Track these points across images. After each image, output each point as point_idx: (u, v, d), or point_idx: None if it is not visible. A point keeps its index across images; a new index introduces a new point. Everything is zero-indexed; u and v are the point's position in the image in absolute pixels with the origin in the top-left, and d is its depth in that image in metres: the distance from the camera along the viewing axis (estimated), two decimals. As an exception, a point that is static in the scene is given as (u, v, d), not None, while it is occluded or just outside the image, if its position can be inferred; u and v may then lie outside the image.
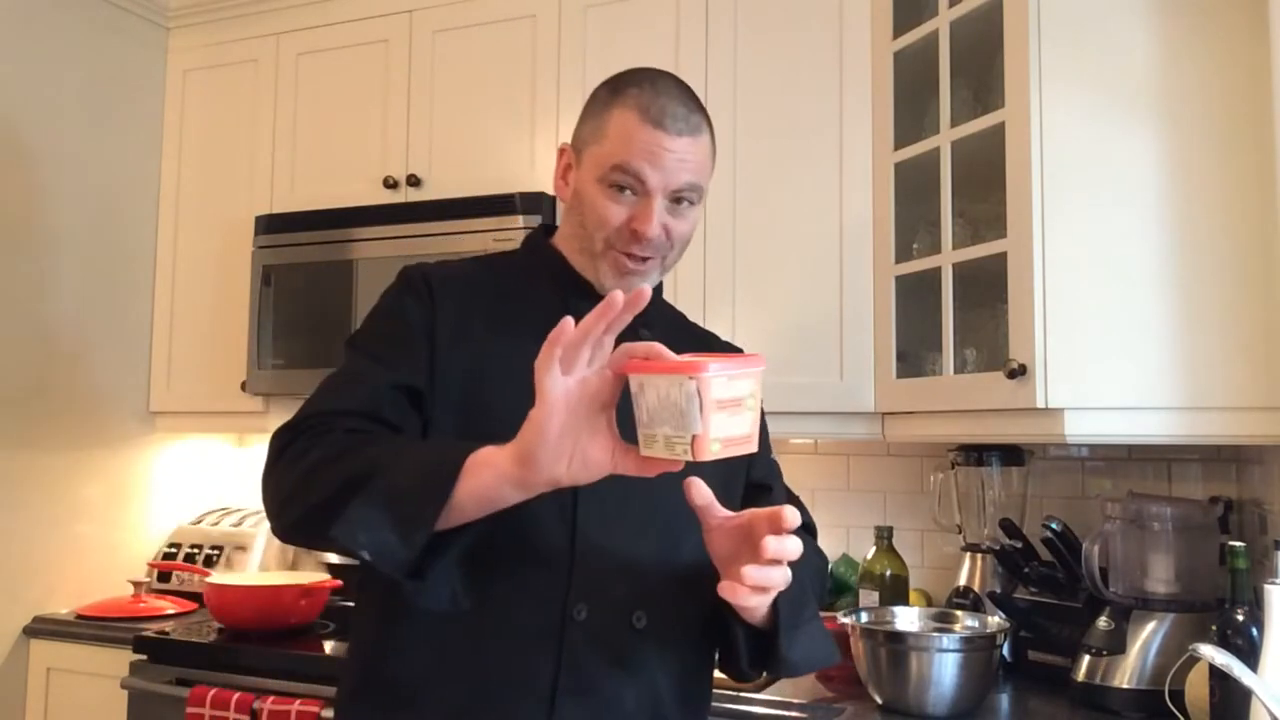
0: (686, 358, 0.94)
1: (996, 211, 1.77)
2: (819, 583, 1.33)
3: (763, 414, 1.15)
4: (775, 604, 1.09)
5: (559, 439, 0.94)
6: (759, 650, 1.16)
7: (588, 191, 1.21)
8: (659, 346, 0.95)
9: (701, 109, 1.23)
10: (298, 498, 1.07)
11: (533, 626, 1.13)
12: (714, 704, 1.77)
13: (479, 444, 0.99)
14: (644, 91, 1.19)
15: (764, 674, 1.21)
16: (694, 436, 0.91)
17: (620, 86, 1.22)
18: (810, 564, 1.23)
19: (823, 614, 2.15)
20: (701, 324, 2.12)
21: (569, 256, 1.25)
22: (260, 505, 2.94)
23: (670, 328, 1.32)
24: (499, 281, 1.28)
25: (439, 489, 0.97)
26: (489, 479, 0.97)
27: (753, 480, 1.32)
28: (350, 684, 1.23)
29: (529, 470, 0.95)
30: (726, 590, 1.00)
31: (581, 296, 1.21)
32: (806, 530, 1.31)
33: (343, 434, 1.10)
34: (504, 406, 1.03)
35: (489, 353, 1.19)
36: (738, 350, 1.43)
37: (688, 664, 1.23)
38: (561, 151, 1.27)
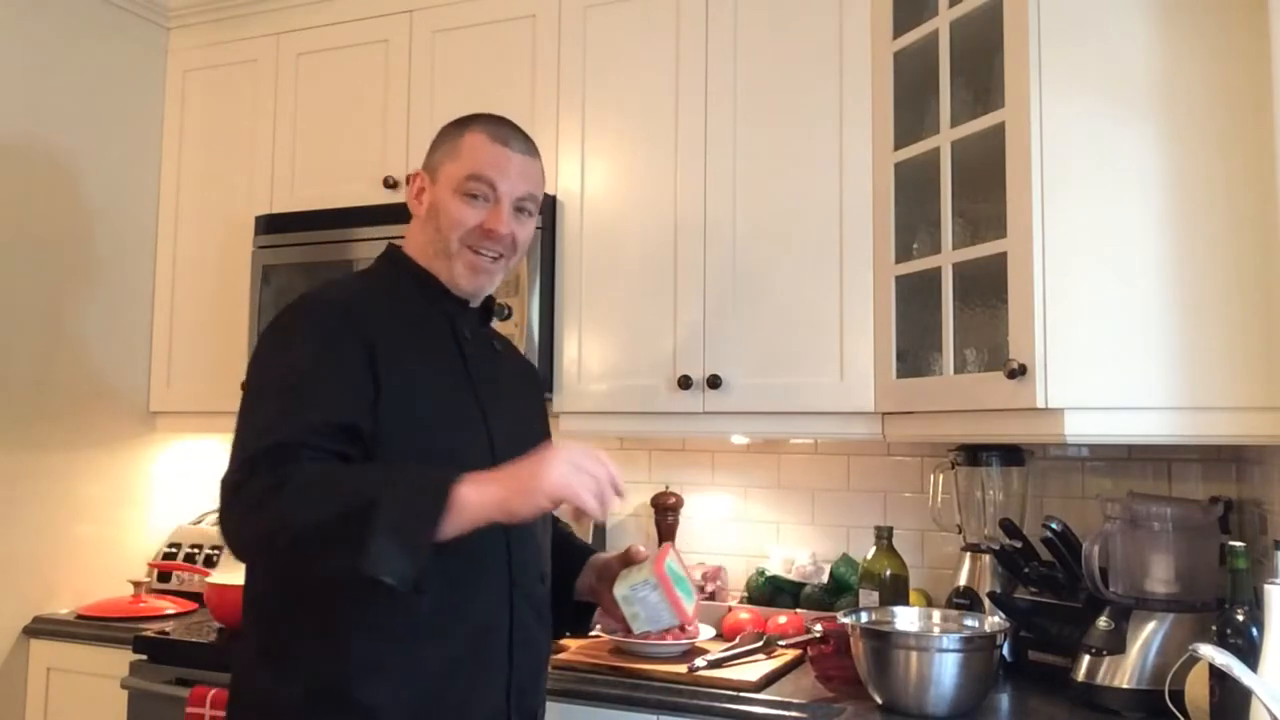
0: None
1: (996, 211, 1.77)
2: None
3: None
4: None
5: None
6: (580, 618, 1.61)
7: (445, 201, 1.42)
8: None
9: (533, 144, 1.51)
10: (287, 526, 1.17)
11: (493, 602, 1.37)
12: (714, 704, 1.79)
13: (450, 471, 1.20)
14: (490, 122, 1.46)
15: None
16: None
17: (468, 121, 1.47)
18: None
19: (823, 613, 2.17)
20: (701, 324, 2.15)
21: (428, 266, 1.45)
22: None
23: (503, 340, 1.60)
24: (387, 298, 1.42)
25: (435, 517, 1.16)
26: (478, 513, 1.19)
27: None
28: (297, 690, 1.30)
29: (517, 508, 1.21)
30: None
31: (450, 302, 1.45)
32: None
33: (313, 466, 1.21)
34: (434, 419, 1.33)
35: (408, 368, 1.34)
36: (525, 360, 1.74)
37: (548, 614, 1.52)
38: (415, 176, 1.48)
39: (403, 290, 1.44)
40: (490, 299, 1.54)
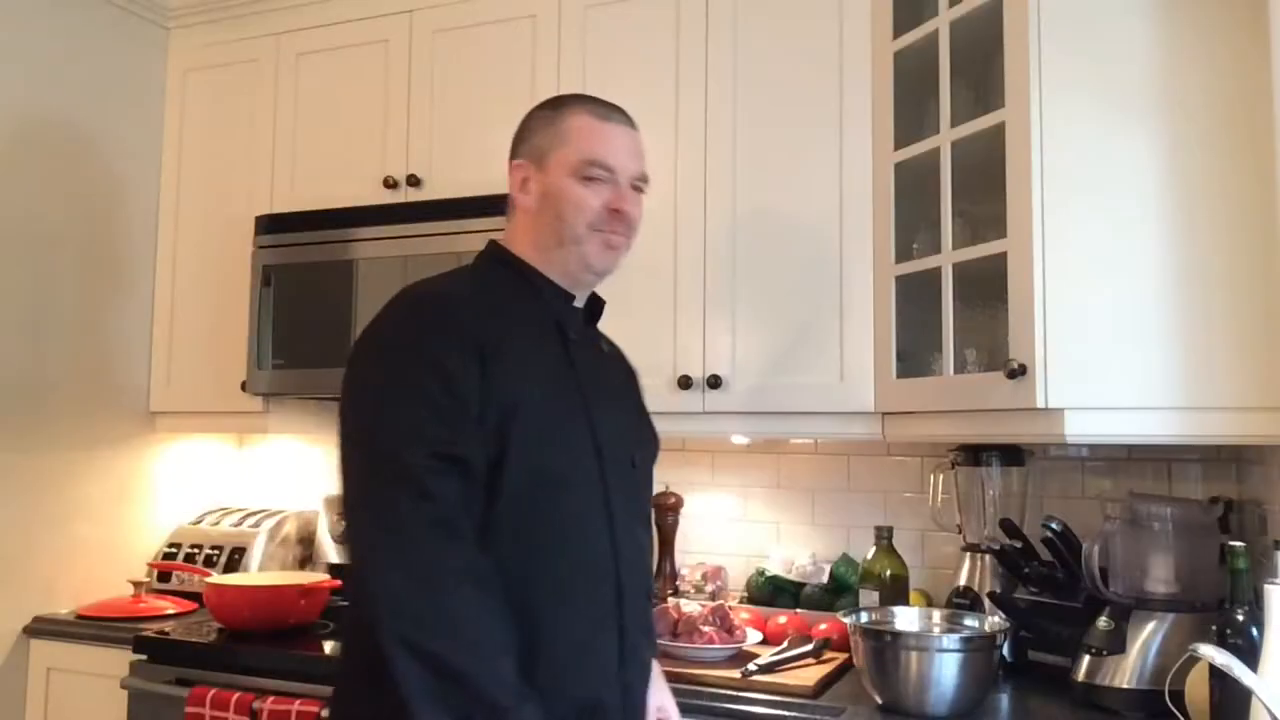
0: None
1: (996, 211, 1.77)
2: None
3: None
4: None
5: None
6: None
7: (563, 187, 1.36)
8: None
9: None
10: (436, 639, 1.13)
11: (601, 612, 1.32)
12: (714, 704, 1.78)
13: None
14: (586, 101, 1.42)
15: None
16: None
17: (563, 102, 1.43)
18: None
19: (823, 614, 2.16)
20: (701, 324, 2.14)
21: (534, 262, 1.40)
22: (260, 506, 2.94)
23: (605, 341, 1.55)
24: (495, 297, 1.37)
25: None
26: None
27: None
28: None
29: None
30: None
31: (557, 300, 1.40)
32: None
33: (475, 588, 1.17)
34: (543, 421, 1.27)
35: (519, 372, 1.28)
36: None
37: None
38: (517, 167, 1.41)
39: (510, 288, 1.39)
40: (596, 298, 1.48)
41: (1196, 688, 1.53)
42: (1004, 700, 1.78)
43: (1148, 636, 1.66)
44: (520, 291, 1.39)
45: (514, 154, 1.42)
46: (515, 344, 1.29)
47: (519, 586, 1.23)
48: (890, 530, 2.11)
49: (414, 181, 2.43)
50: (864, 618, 1.84)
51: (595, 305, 1.49)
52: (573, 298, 1.42)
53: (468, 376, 1.22)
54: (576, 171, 1.35)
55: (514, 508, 1.24)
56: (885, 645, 1.68)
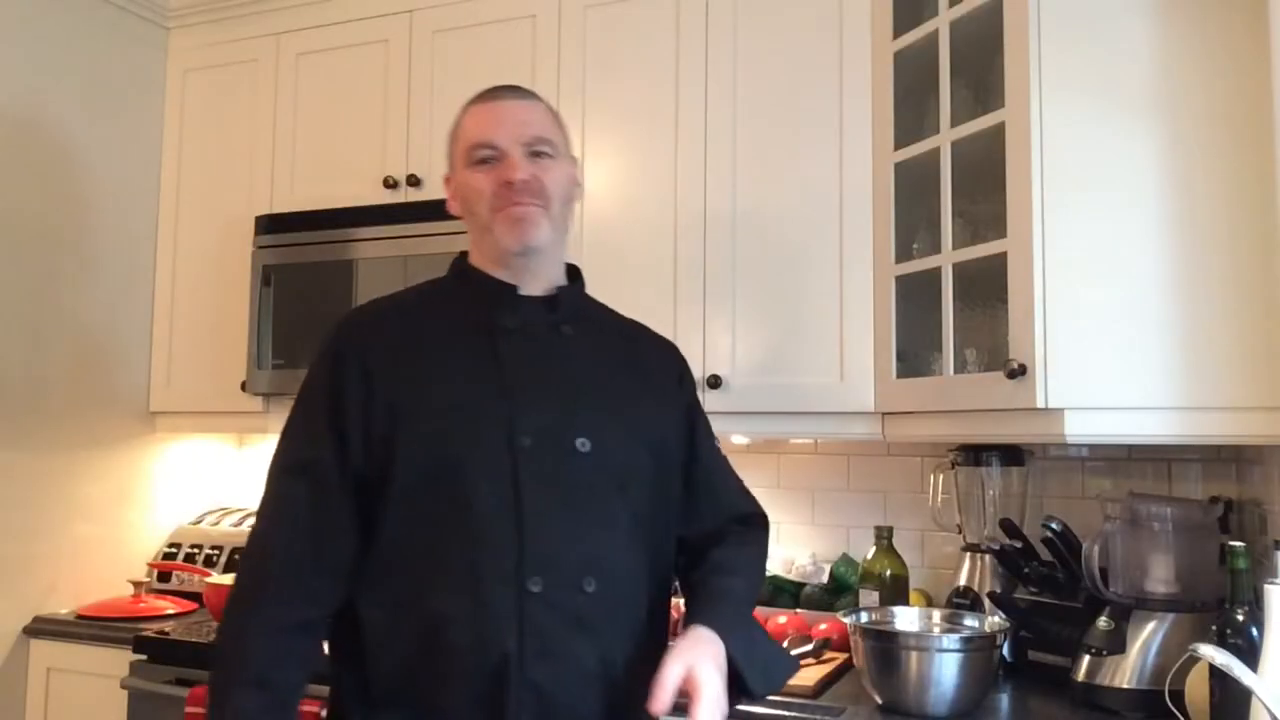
0: None
1: (996, 211, 1.77)
2: (756, 583, 1.48)
3: (699, 405, 1.53)
4: (736, 654, 1.27)
5: None
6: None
7: (463, 181, 1.38)
8: None
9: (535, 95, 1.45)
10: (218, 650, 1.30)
11: (495, 606, 1.25)
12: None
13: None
14: (479, 93, 1.43)
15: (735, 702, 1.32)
16: None
17: (464, 106, 1.44)
18: (752, 573, 1.46)
19: (823, 613, 2.16)
20: (701, 324, 2.14)
21: (481, 265, 1.41)
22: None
23: (593, 324, 1.46)
24: (427, 307, 1.41)
25: None
26: None
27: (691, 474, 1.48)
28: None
29: None
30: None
31: (499, 303, 1.38)
32: (743, 523, 1.50)
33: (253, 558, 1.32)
34: (441, 417, 1.29)
35: (416, 379, 1.33)
36: (674, 349, 1.56)
37: (638, 621, 1.34)
38: (445, 181, 1.44)
39: (444, 295, 1.43)
40: (567, 289, 1.43)
41: (1196, 688, 1.53)
42: (1004, 700, 1.78)
43: (1148, 636, 1.66)
44: (453, 295, 1.42)
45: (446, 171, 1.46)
46: (419, 350, 1.35)
47: (411, 580, 1.27)
48: (890, 530, 2.11)
49: (414, 181, 2.43)
50: (864, 618, 1.84)
51: (569, 290, 1.44)
52: (514, 288, 1.39)
53: (346, 393, 1.31)
54: (468, 161, 1.37)
55: (402, 508, 1.28)
56: (885, 645, 1.68)
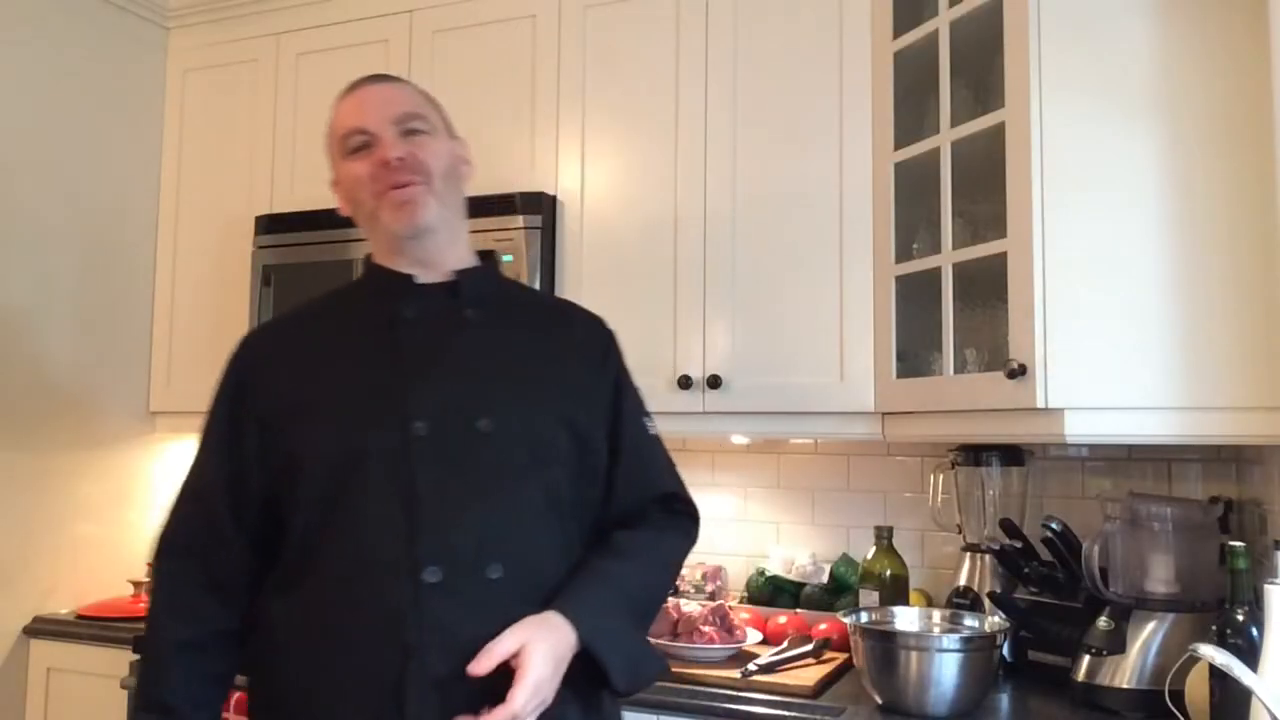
0: None
1: (996, 211, 1.77)
2: (654, 573, 1.40)
3: (628, 380, 1.47)
4: (594, 645, 1.22)
5: None
6: (591, 676, 1.24)
7: (342, 174, 1.37)
8: None
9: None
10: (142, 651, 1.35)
11: (393, 600, 1.21)
12: (714, 704, 1.78)
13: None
14: (345, 87, 1.42)
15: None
16: None
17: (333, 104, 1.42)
18: (649, 561, 1.38)
19: (823, 613, 2.16)
20: (701, 324, 2.14)
21: (382, 259, 1.40)
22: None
23: (504, 307, 1.41)
24: (329, 311, 1.42)
25: None
26: None
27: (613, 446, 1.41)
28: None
29: None
30: None
31: (395, 296, 1.35)
32: (667, 508, 1.45)
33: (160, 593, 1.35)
34: (333, 409, 1.28)
35: (320, 380, 1.32)
36: (600, 322, 1.50)
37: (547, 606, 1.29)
38: (332, 186, 1.42)
39: (336, 296, 1.44)
40: (469, 272, 1.39)
41: (1196, 688, 1.53)
42: (1004, 700, 1.78)
43: (1148, 636, 1.66)
44: (356, 295, 1.43)
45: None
46: (317, 354, 1.35)
47: (315, 581, 1.26)
48: (890, 530, 2.11)
49: (414, 181, 2.43)
50: (864, 618, 1.84)
51: (473, 273, 1.40)
52: (410, 277, 1.36)
53: (240, 418, 1.34)
54: (343, 153, 1.36)
55: (306, 511, 1.28)
56: (885, 645, 1.68)
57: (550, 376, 1.37)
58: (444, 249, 1.37)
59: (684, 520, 1.47)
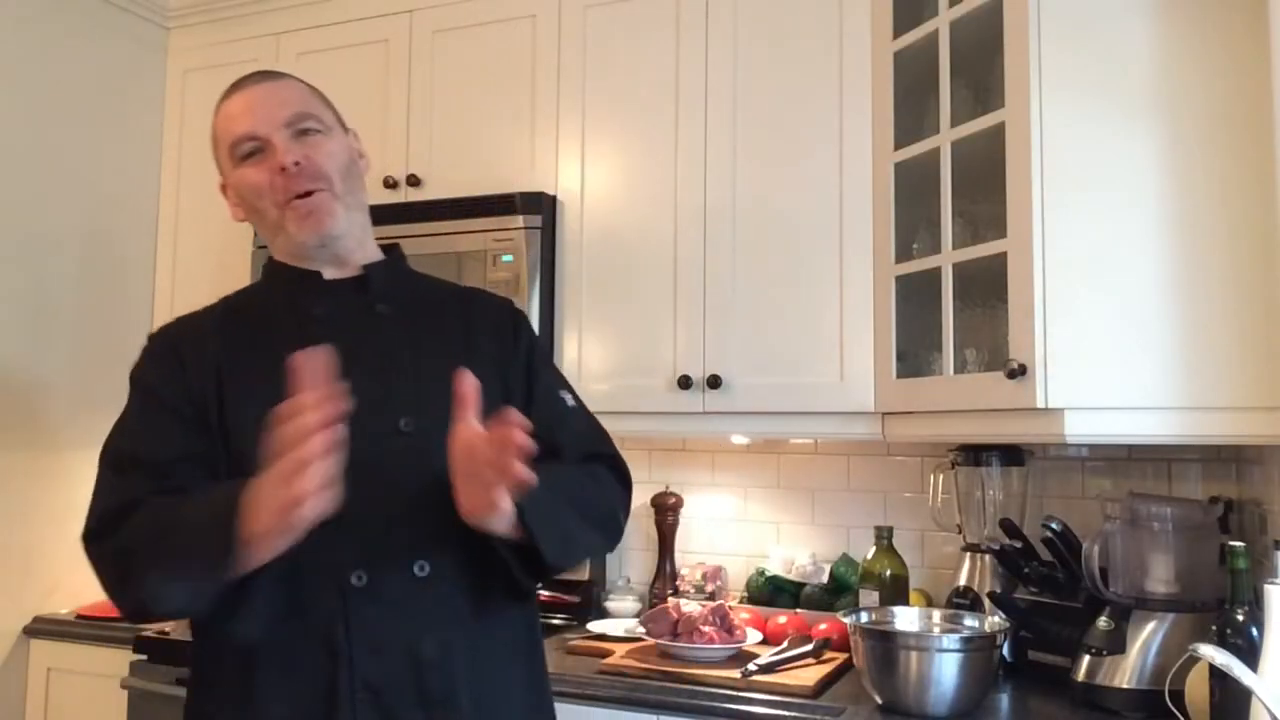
0: None
1: (996, 211, 1.77)
2: (586, 499, 1.32)
3: (543, 357, 1.44)
4: (524, 516, 1.14)
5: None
6: (523, 558, 1.20)
7: (238, 181, 1.31)
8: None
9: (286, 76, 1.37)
10: (124, 590, 1.20)
11: (320, 605, 1.19)
12: (714, 704, 1.78)
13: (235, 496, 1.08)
14: (228, 87, 1.38)
15: (535, 579, 1.27)
16: None
17: (215, 108, 1.38)
18: (576, 480, 1.31)
19: (823, 613, 2.16)
20: (701, 324, 2.14)
21: (285, 259, 1.35)
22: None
23: (413, 298, 1.38)
24: (237, 311, 1.36)
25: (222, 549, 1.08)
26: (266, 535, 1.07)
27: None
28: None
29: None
30: (466, 514, 1.10)
31: (304, 291, 1.32)
32: (604, 463, 1.39)
33: (131, 519, 1.20)
34: (253, 417, 1.14)
35: (236, 379, 1.26)
36: (509, 303, 1.47)
37: (483, 604, 1.26)
38: (221, 189, 1.38)
39: (252, 293, 1.40)
40: (376, 265, 1.36)
41: (1196, 688, 1.53)
42: (1004, 700, 1.78)
43: (1148, 636, 1.66)
44: (262, 294, 1.38)
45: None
46: (232, 351, 1.29)
47: (244, 589, 1.17)
48: (890, 530, 2.11)
49: (414, 181, 2.43)
50: (864, 618, 1.84)
51: (380, 267, 1.37)
52: (316, 275, 1.33)
53: (167, 389, 1.27)
54: (235, 160, 1.31)
55: None
56: (885, 645, 1.68)
57: (465, 366, 1.26)
58: (352, 249, 1.34)
59: (606, 471, 1.39)
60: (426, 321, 1.37)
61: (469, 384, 1.10)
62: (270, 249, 1.37)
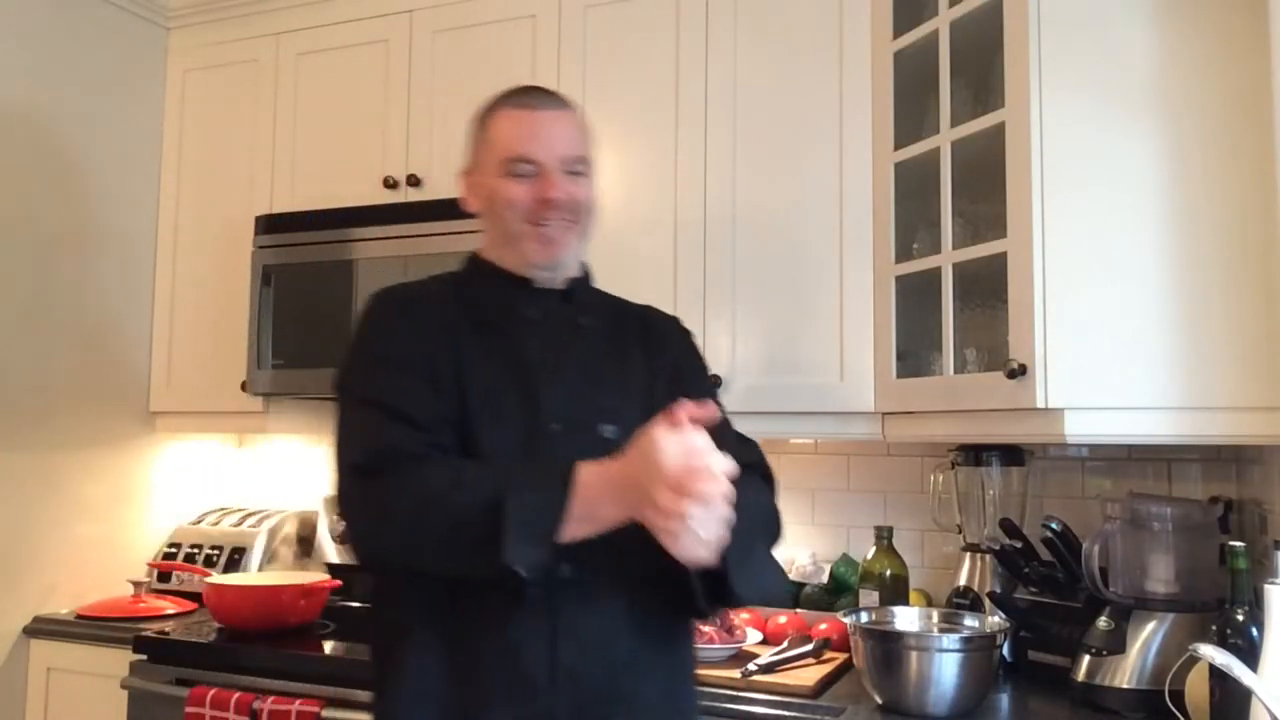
0: None
1: (996, 211, 1.77)
2: (766, 519, 1.40)
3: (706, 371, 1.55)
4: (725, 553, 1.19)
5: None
6: (712, 588, 1.25)
7: (494, 188, 1.38)
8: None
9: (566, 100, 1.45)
10: (424, 531, 1.20)
11: (528, 598, 1.24)
12: (714, 704, 1.78)
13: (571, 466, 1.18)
14: (511, 94, 1.43)
15: (719, 608, 1.35)
16: None
17: (491, 105, 1.44)
18: (755, 502, 1.34)
19: (823, 613, 2.16)
20: (701, 324, 2.14)
21: (499, 261, 1.43)
22: (260, 506, 2.93)
23: (606, 311, 1.49)
24: (449, 292, 1.43)
25: (559, 509, 1.16)
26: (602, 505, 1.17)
27: None
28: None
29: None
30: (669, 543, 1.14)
31: (520, 290, 1.41)
32: (756, 471, 1.44)
33: (433, 464, 1.23)
34: (472, 404, 1.29)
35: (460, 358, 1.33)
36: (674, 320, 1.57)
37: (666, 616, 1.34)
38: (462, 176, 1.46)
39: (468, 285, 1.44)
40: (579, 279, 1.47)
41: (1196, 688, 1.53)
42: (1004, 700, 1.78)
43: (1148, 636, 1.66)
44: (474, 287, 1.44)
45: (464, 165, 1.47)
46: (452, 330, 1.36)
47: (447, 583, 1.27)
48: (890, 530, 2.11)
49: (414, 181, 2.43)
50: (864, 618, 1.84)
51: (583, 282, 1.48)
52: (529, 282, 1.41)
53: (416, 350, 1.33)
54: (503, 171, 1.37)
55: None
56: (885, 645, 1.68)
57: (653, 380, 1.44)
58: (565, 269, 1.44)
59: (760, 480, 1.45)
60: (621, 336, 1.48)
61: (690, 410, 1.17)
62: (484, 246, 1.45)
